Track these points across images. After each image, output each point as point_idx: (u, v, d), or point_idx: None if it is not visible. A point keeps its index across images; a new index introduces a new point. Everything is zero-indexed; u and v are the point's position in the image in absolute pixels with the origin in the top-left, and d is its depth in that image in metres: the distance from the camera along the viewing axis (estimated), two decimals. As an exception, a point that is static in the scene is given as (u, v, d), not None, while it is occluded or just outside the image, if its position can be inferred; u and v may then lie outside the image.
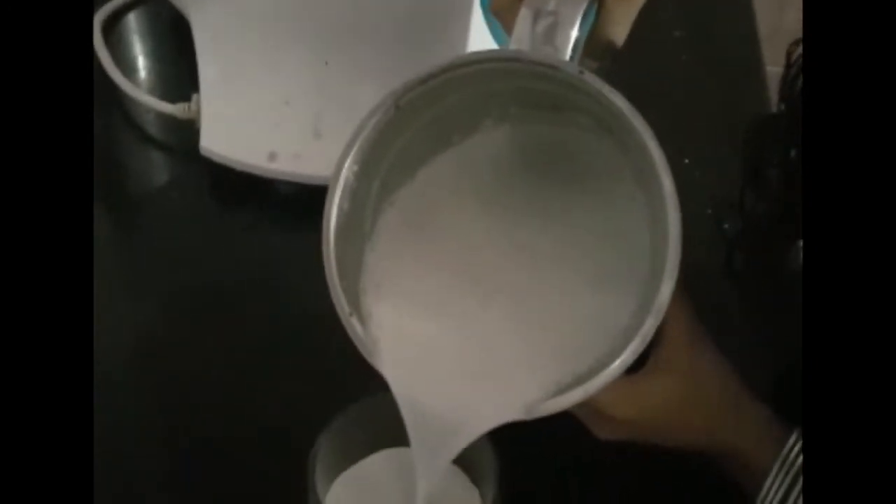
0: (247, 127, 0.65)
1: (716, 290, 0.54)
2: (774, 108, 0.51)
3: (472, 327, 0.44)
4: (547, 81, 0.42)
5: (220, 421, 0.56)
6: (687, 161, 0.64)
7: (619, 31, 0.45)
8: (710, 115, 0.68)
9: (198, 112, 0.65)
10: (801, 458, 0.45)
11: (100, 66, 0.68)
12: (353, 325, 0.43)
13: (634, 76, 0.57)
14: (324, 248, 0.43)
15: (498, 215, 0.46)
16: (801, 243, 0.48)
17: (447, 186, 0.46)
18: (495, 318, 0.44)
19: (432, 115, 0.44)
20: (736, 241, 0.53)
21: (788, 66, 0.48)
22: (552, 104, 0.45)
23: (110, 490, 0.47)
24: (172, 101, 0.66)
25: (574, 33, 0.42)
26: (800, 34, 0.43)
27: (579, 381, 0.41)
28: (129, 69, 0.70)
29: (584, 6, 0.42)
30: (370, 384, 0.43)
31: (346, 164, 0.43)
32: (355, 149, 0.43)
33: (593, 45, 0.44)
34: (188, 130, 0.66)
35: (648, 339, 0.39)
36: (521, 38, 0.42)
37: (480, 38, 0.56)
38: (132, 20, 0.74)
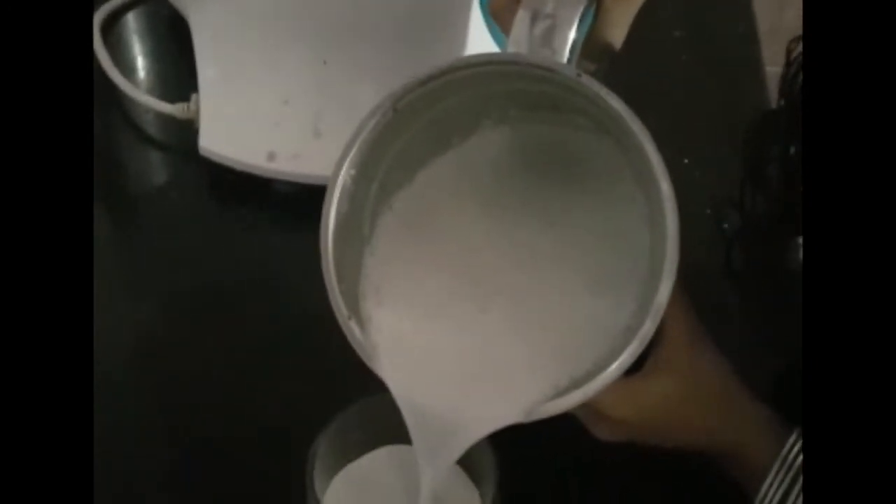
0: (246, 127, 0.65)
1: (716, 289, 0.54)
2: (774, 107, 0.51)
3: (471, 330, 0.44)
4: (545, 83, 0.42)
5: (220, 421, 0.56)
6: (686, 161, 0.64)
7: (617, 32, 0.45)
8: (709, 114, 0.69)
9: (197, 112, 0.65)
10: (800, 458, 0.45)
11: (99, 66, 0.68)
12: (352, 329, 0.43)
13: (634, 76, 0.57)
14: (322, 252, 0.43)
15: (497, 217, 0.46)
16: (800, 241, 0.48)
17: (446, 188, 0.46)
18: (494, 320, 0.44)
19: (431, 117, 0.44)
20: (735, 239, 0.53)
21: (788, 63, 0.48)
22: (551, 105, 0.45)
23: (110, 490, 0.47)
24: (171, 100, 0.66)
25: (572, 35, 0.42)
26: (799, 32, 0.43)
27: (579, 382, 0.41)
28: (128, 69, 0.70)
29: (581, 8, 0.42)
30: (370, 384, 0.43)
31: (344, 167, 0.43)
32: (353, 152, 0.43)
33: (591, 46, 0.45)
34: (187, 130, 0.65)
35: (647, 341, 0.40)
36: (519, 39, 0.42)
37: (480, 37, 0.56)
38: (131, 20, 0.73)
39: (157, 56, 0.73)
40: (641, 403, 0.46)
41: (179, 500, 0.54)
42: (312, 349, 0.56)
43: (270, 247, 0.63)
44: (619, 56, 0.46)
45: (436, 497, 0.42)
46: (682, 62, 0.72)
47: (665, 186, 0.39)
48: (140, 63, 0.72)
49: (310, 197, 0.45)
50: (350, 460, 0.49)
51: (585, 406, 0.42)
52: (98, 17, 0.71)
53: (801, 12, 0.38)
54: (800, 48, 0.47)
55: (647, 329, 0.39)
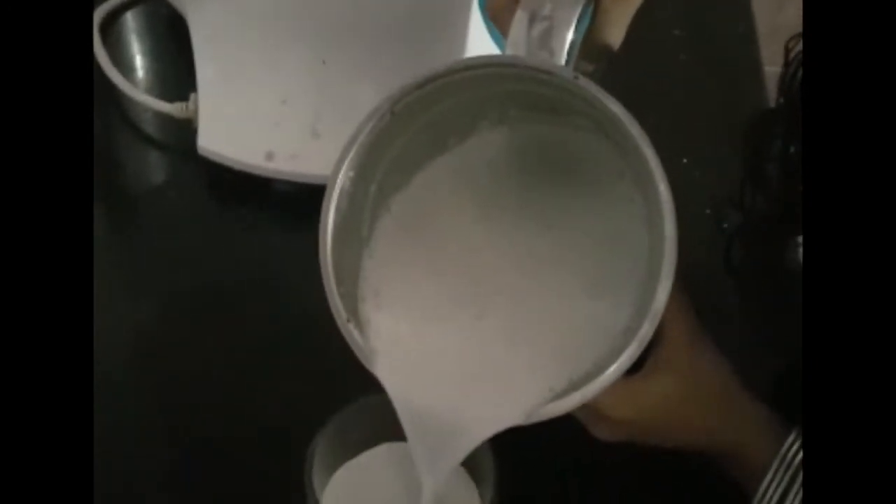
0: (244, 126, 0.65)
1: (715, 289, 0.54)
2: (773, 106, 0.51)
3: (469, 333, 0.44)
4: (543, 85, 0.42)
5: (220, 421, 0.56)
6: (685, 160, 0.64)
7: (615, 33, 0.45)
8: (708, 114, 0.69)
9: (195, 111, 0.65)
10: (799, 457, 0.45)
11: (97, 66, 0.68)
12: (351, 332, 0.43)
13: (633, 75, 0.57)
14: (321, 255, 0.43)
15: (496, 218, 0.46)
16: (800, 240, 0.48)
17: (444, 190, 0.46)
18: (493, 322, 0.44)
19: (428, 119, 0.44)
20: (735, 238, 0.53)
21: (787, 62, 0.48)
22: (550, 106, 0.45)
23: (110, 490, 0.47)
24: (170, 100, 0.66)
25: (570, 36, 0.42)
26: (798, 31, 0.43)
27: (578, 384, 0.41)
28: (126, 68, 0.69)
29: (579, 8, 0.43)
30: (370, 384, 0.43)
31: (343, 170, 0.43)
32: (351, 154, 0.43)
33: (590, 47, 0.45)
34: (186, 130, 0.65)
35: (645, 343, 0.40)
36: (517, 41, 0.43)
37: (479, 38, 0.56)
38: (130, 19, 0.73)
39: (156, 55, 0.73)
40: (641, 403, 0.46)
41: (179, 500, 0.54)
42: (312, 349, 0.56)
43: (270, 246, 0.63)
44: (618, 56, 0.46)
45: (437, 500, 0.42)
46: (681, 62, 0.72)
47: (663, 189, 0.39)
48: (139, 62, 0.72)
49: (309, 196, 0.45)
50: (349, 459, 0.49)
51: (585, 406, 0.42)
52: (97, 17, 0.71)
53: (800, 11, 0.38)
54: (798, 47, 0.47)
55: (646, 331, 0.39)
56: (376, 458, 0.49)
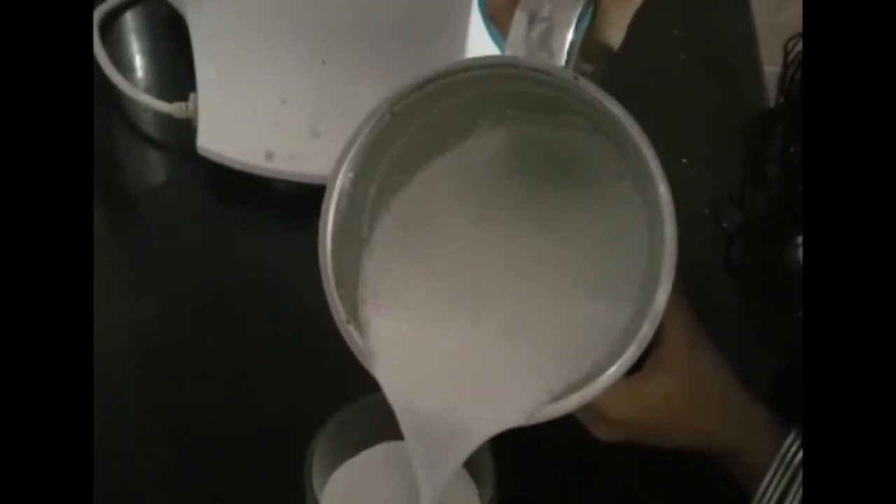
0: (244, 126, 0.65)
1: (715, 289, 0.54)
2: (773, 106, 0.51)
3: (469, 334, 0.44)
4: (543, 86, 0.42)
5: (220, 421, 0.56)
6: (685, 160, 0.64)
7: (615, 33, 0.45)
8: (708, 114, 0.69)
9: (195, 111, 0.65)
10: (798, 457, 0.45)
11: (97, 66, 0.68)
12: (351, 333, 0.43)
13: (633, 75, 0.57)
14: (320, 256, 0.43)
15: (495, 219, 0.46)
16: (800, 240, 0.48)
17: (443, 191, 0.46)
18: (493, 323, 0.44)
19: (428, 119, 0.44)
20: (735, 238, 0.53)
21: (786, 62, 0.48)
22: (549, 107, 0.45)
23: (110, 490, 0.47)
24: (170, 100, 0.66)
25: (569, 36, 0.42)
26: (797, 31, 0.43)
27: (578, 385, 0.41)
28: (126, 68, 0.69)
29: (579, 9, 0.42)
30: (370, 384, 0.43)
31: (342, 171, 0.43)
32: (350, 155, 0.43)
33: (589, 47, 0.45)
34: (185, 129, 0.65)
35: (645, 345, 0.40)
36: (517, 41, 0.43)
37: (479, 38, 0.56)
38: (129, 19, 0.73)
39: (156, 55, 0.73)
40: (641, 404, 0.46)
41: (179, 500, 0.54)
42: (312, 349, 0.56)
43: (270, 246, 0.63)
44: (618, 56, 0.46)
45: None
46: (681, 61, 0.72)
47: (663, 190, 0.39)
48: (138, 62, 0.72)
49: (309, 196, 0.45)
50: (349, 458, 0.49)
51: (585, 406, 0.42)
52: (96, 17, 0.71)
53: (799, 11, 0.38)
54: (798, 47, 0.47)
55: (646, 333, 0.39)
56: (375, 457, 0.49)
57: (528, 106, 0.45)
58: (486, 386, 0.43)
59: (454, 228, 0.46)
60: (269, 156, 0.64)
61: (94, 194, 0.40)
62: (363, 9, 0.65)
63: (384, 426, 0.45)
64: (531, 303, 0.44)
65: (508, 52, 0.43)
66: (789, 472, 0.45)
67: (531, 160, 0.47)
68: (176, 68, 0.69)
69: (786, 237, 0.48)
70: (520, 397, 0.41)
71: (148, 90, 0.69)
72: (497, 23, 0.46)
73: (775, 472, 0.45)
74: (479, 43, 0.57)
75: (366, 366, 0.43)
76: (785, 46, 0.47)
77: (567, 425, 0.42)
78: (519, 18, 0.43)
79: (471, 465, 0.47)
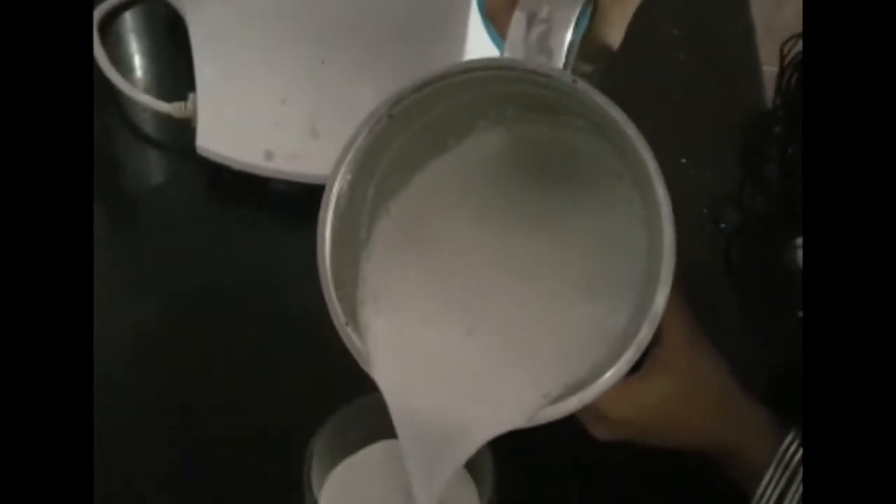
0: (243, 126, 0.65)
1: (713, 289, 0.54)
2: (771, 106, 0.51)
3: (468, 336, 0.44)
4: (542, 87, 0.42)
5: (220, 421, 0.56)
6: (684, 160, 0.65)
7: (614, 33, 0.45)
8: (707, 114, 0.69)
9: (194, 111, 0.65)
10: (797, 457, 0.45)
11: (96, 66, 0.68)
12: (350, 336, 0.43)
13: (631, 75, 0.57)
14: (319, 259, 0.43)
15: (494, 219, 0.46)
16: (797, 241, 0.48)
17: (443, 192, 0.46)
18: (492, 326, 0.44)
19: (426, 121, 0.44)
20: (733, 238, 0.53)
21: (783, 63, 0.48)
22: (548, 107, 0.45)
23: (110, 490, 0.47)
24: (169, 100, 0.66)
25: (568, 37, 0.42)
26: (796, 31, 0.43)
27: (577, 386, 0.41)
28: (125, 68, 0.69)
29: (578, 9, 0.42)
30: (369, 384, 0.43)
31: (340, 173, 0.43)
32: (349, 158, 0.43)
33: (588, 47, 0.45)
34: (184, 129, 0.65)
35: (644, 347, 0.40)
36: (516, 42, 0.42)
37: (478, 38, 0.56)
38: (129, 19, 0.73)
39: (155, 55, 0.73)
40: (640, 404, 0.46)
41: (179, 500, 0.54)
42: (312, 349, 0.56)
43: (269, 246, 0.63)
44: (617, 55, 0.46)
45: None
46: (680, 61, 0.72)
47: (661, 194, 0.39)
48: (137, 62, 0.72)
49: (308, 196, 0.45)
50: (347, 457, 0.49)
51: (584, 407, 0.42)
52: (96, 17, 0.71)
53: (796, 11, 0.38)
54: (795, 48, 0.47)
55: (645, 335, 0.40)
56: (374, 455, 0.49)
57: (528, 106, 0.45)
58: (485, 388, 0.43)
59: (453, 229, 0.46)
60: (269, 155, 0.64)
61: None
62: (362, 9, 0.65)
63: (383, 426, 0.45)
64: (530, 304, 0.44)
65: (507, 53, 0.43)
66: (788, 472, 0.45)
67: (530, 160, 0.47)
68: (175, 68, 0.69)
69: (784, 238, 0.48)
70: (519, 399, 0.41)
71: (147, 90, 0.69)
72: (496, 23, 0.46)
73: (774, 472, 0.45)
74: (478, 43, 0.57)
75: (365, 368, 0.43)
76: (781, 49, 0.47)
77: (566, 426, 0.42)
78: (518, 19, 0.43)
79: (470, 465, 0.47)
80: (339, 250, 0.43)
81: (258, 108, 0.65)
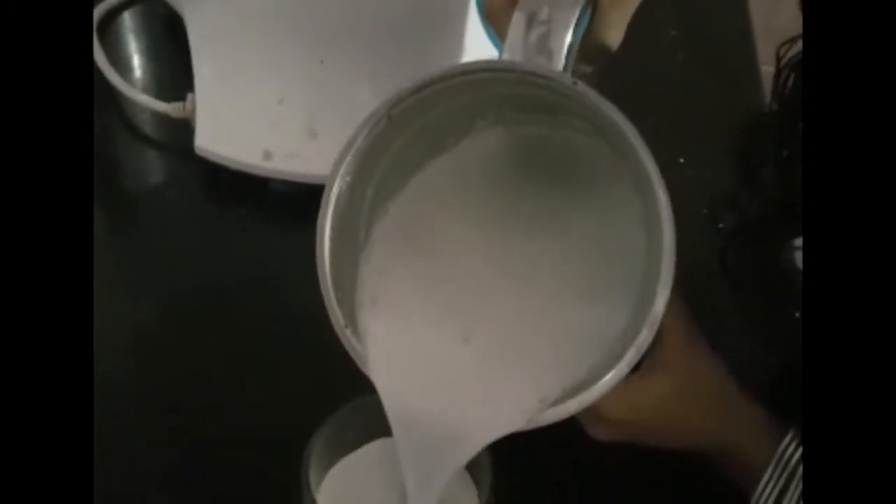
0: (242, 126, 0.65)
1: (712, 289, 0.54)
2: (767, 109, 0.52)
3: (467, 339, 0.44)
4: (541, 89, 0.42)
5: (219, 421, 0.56)
6: (683, 160, 0.65)
7: (613, 34, 0.45)
8: (706, 114, 0.69)
9: (193, 111, 0.65)
10: (796, 457, 0.45)
11: (95, 66, 0.68)
12: (348, 338, 0.43)
13: (631, 76, 0.57)
14: (318, 261, 0.43)
15: (493, 220, 0.46)
16: (795, 242, 0.49)
17: (441, 192, 0.46)
18: (490, 328, 0.44)
19: (425, 122, 0.44)
20: (731, 238, 0.53)
21: (779, 66, 0.48)
22: (547, 108, 0.45)
23: (110, 490, 0.47)
24: (167, 100, 0.66)
25: (568, 38, 0.42)
26: (793, 33, 0.43)
27: (577, 388, 0.41)
28: (124, 68, 0.69)
29: (577, 10, 0.42)
30: (368, 384, 0.43)
31: (339, 176, 0.43)
32: (347, 160, 0.43)
33: (588, 48, 0.45)
34: (183, 129, 0.65)
35: (643, 350, 0.40)
36: (515, 43, 0.42)
37: (477, 39, 0.56)
38: (127, 19, 0.73)
39: (153, 55, 0.73)
40: (639, 404, 0.46)
41: (179, 500, 0.54)
42: (311, 349, 0.56)
43: (268, 246, 0.63)
44: (616, 56, 0.46)
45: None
46: (679, 62, 0.72)
47: (662, 197, 0.39)
48: (136, 62, 0.72)
49: (307, 196, 0.45)
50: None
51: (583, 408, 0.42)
52: (94, 17, 0.71)
53: (793, 13, 0.38)
54: (793, 50, 0.47)
55: (644, 338, 0.40)
56: (372, 453, 0.49)
57: (527, 107, 0.45)
58: (484, 391, 0.43)
59: (451, 230, 0.46)
60: (267, 155, 0.64)
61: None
62: (361, 9, 0.65)
63: (382, 426, 0.45)
64: (528, 306, 0.44)
65: (506, 54, 0.43)
66: (787, 472, 0.45)
67: (529, 161, 0.47)
68: (174, 68, 0.69)
69: (782, 239, 0.49)
70: (517, 402, 0.41)
71: (146, 90, 0.68)
72: (495, 24, 0.46)
73: (773, 472, 0.45)
74: (477, 44, 0.57)
75: (364, 370, 0.43)
76: (777, 51, 0.48)
77: (565, 427, 0.42)
78: (517, 20, 0.43)
79: (467, 466, 0.47)
80: (337, 252, 0.43)
81: (257, 108, 0.65)
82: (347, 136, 0.43)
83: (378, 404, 0.43)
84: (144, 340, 0.59)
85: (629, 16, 0.46)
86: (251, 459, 0.54)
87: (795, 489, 0.45)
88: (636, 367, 0.42)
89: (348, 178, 0.43)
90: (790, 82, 0.48)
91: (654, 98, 0.67)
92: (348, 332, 0.43)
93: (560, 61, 0.42)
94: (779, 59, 0.47)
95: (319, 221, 0.43)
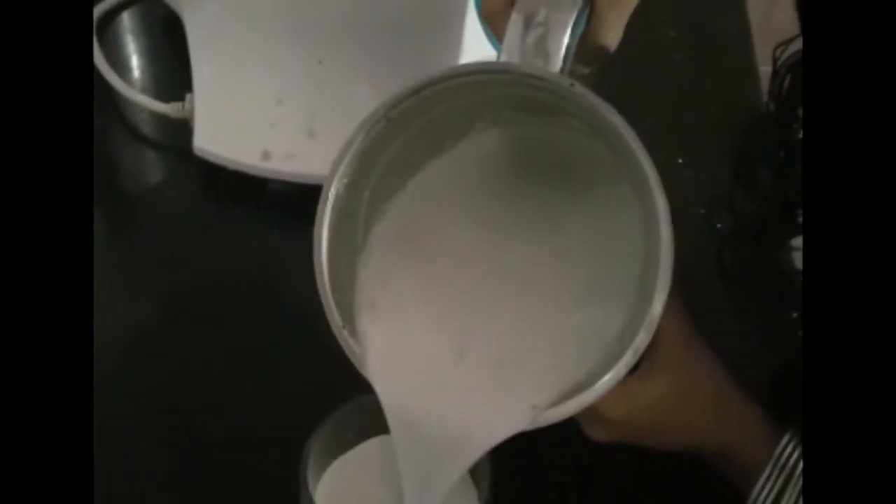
0: (240, 126, 0.65)
1: (709, 290, 0.54)
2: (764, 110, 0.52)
3: (465, 342, 0.44)
4: (539, 90, 0.42)
5: (219, 421, 0.56)
6: (680, 161, 0.65)
7: (611, 35, 0.45)
8: (704, 114, 0.69)
9: (191, 111, 0.65)
10: (794, 458, 0.45)
11: (94, 66, 0.68)
12: (347, 340, 0.43)
13: (629, 76, 0.57)
14: (316, 264, 0.43)
15: (491, 222, 0.46)
16: (793, 242, 0.49)
17: (439, 193, 0.46)
18: (489, 331, 0.44)
19: (424, 123, 0.44)
20: (729, 239, 0.53)
21: (776, 66, 0.48)
22: (546, 109, 0.45)
23: (110, 490, 0.47)
24: (166, 100, 0.66)
25: (566, 40, 0.42)
26: (790, 34, 0.43)
27: (575, 389, 0.41)
28: (122, 68, 0.69)
29: (575, 11, 0.43)
30: (367, 384, 0.43)
31: (337, 177, 0.43)
32: (346, 161, 0.43)
33: (585, 49, 0.45)
34: (182, 130, 0.65)
35: (641, 352, 0.40)
36: (513, 44, 0.43)
37: (475, 40, 0.56)
38: (126, 19, 0.73)
39: (152, 55, 0.73)
40: (637, 405, 0.46)
41: (179, 500, 0.54)
42: (310, 349, 0.56)
43: (266, 246, 0.63)
44: (614, 57, 0.46)
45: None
46: (677, 62, 0.72)
47: (659, 200, 0.39)
48: (135, 62, 0.72)
49: (305, 196, 0.45)
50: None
51: (582, 409, 0.42)
52: (94, 17, 0.71)
53: (790, 14, 0.38)
54: (789, 51, 0.47)
55: (642, 340, 0.40)
56: (369, 451, 0.49)
57: (525, 108, 0.45)
58: (483, 395, 0.43)
59: (449, 233, 0.46)
60: (266, 156, 0.64)
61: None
62: (360, 10, 0.65)
63: (380, 425, 0.45)
64: (526, 308, 0.44)
65: (504, 55, 0.43)
66: (784, 473, 0.45)
67: (528, 161, 0.47)
68: (172, 68, 0.69)
69: (780, 239, 0.49)
70: (516, 405, 0.41)
71: (144, 90, 0.69)
72: (493, 25, 0.46)
73: (771, 473, 0.45)
74: (476, 45, 0.58)
75: (362, 372, 0.43)
76: (774, 52, 0.48)
77: (563, 428, 0.43)
78: (515, 21, 0.43)
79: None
80: (336, 254, 0.43)
81: (255, 109, 0.65)
82: (346, 137, 0.43)
83: (377, 404, 0.43)
84: (144, 340, 0.59)
85: (627, 17, 0.46)
86: (251, 459, 0.54)
87: (793, 489, 0.45)
88: (634, 368, 0.43)
89: (346, 180, 0.43)
90: (786, 83, 0.48)
91: (652, 99, 0.67)
92: (346, 333, 0.43)
93: (557, 62, 0.42)
94: (775, 59, 0.47)
95: (317, 223, 0.43)
